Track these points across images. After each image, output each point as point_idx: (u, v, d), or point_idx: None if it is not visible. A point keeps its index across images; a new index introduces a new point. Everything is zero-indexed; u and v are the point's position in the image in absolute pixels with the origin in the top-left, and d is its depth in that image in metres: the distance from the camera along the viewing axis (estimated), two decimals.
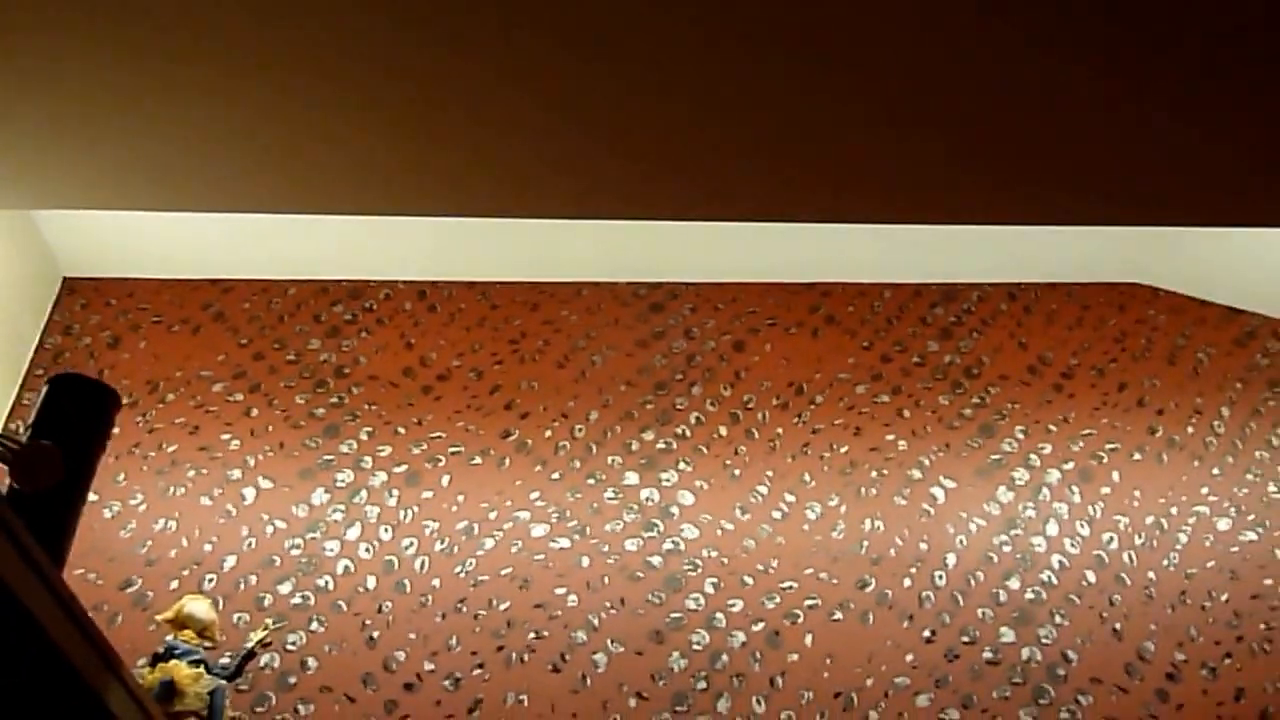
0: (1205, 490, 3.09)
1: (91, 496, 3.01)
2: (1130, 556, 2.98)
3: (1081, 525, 3.03)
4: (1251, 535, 3.00)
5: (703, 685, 2.76)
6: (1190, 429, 3.20)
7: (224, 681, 2.44)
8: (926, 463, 3.15)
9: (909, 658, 2.81)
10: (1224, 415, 3.22)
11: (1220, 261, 3.38)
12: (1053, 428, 3.21)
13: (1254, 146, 2.24)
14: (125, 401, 3.23)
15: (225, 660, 2.61)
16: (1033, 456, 3.16)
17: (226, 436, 3.20)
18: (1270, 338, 3.36)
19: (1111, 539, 3.00)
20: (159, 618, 2.57)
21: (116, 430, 3.11)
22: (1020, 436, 3.20)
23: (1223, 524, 3.03)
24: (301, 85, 2.17)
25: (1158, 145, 2.27)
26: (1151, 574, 2.94)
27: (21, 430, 1.78)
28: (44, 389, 1.75)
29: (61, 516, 1.63)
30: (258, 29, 2.00)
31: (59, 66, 2.11)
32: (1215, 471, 3.12)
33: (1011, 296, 3.51)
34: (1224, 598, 2.90)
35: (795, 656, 2.81)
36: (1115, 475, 3.12)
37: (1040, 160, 2.34)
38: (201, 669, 2.39)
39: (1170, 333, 3.40)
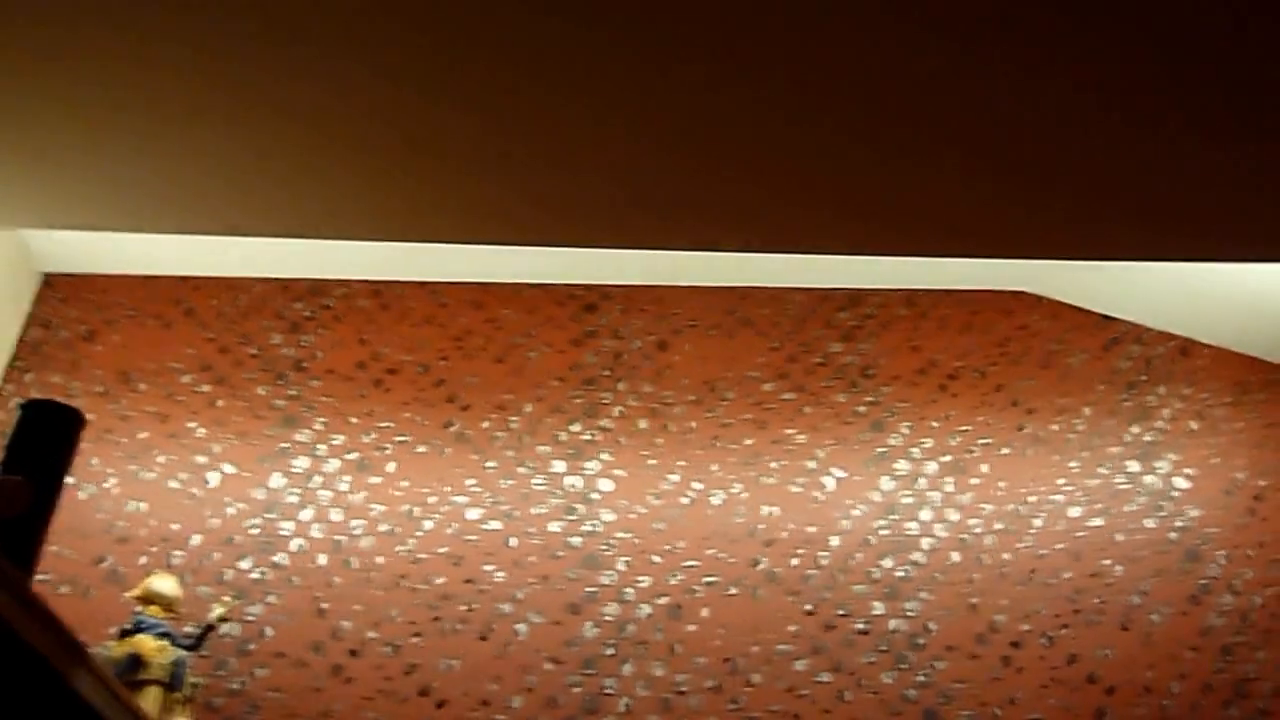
0: (1061, 481, 3.48)
1: (69, 480, 3.34)
2: (990, 540, 3.37)
3: (951, 512, 3.42)
4: (1098, 521, 3.40)
5: (610, 652, 3.14)
6: (1055, 427, 3.58)
7: (186, 652, 2.78)
8: (821, 454, 3.52)
9: (791, 628, 3.20)
10: (1085, 414, 3.60)
11: (1096, 271, 3.74)
12: (935, 424, 3.58)
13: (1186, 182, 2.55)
14: (98, 390, 3.56)
15: (189, 630, 2.97)
16: (914, 450, 3.54)
17: (193, 425, 3.51)
18: (1133, 343, 3.74)
19: (977, 524, 3.39)
20: (127, 595, 2.92)
21: (92, 417, 3.46)
22: (906, 432, 3.57)
23: (1073, 511, 3.42)
24: (284, 123, 2.46)
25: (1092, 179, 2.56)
26: (1007, 555, 3.33)
27: None
28: (17, 414, 2.03)
29: (32, 530, 1.90)
30: (240, 66, 2.28)
31: (51, 95, 2.38)
32: (1072, 465, 3.51)
33: (910, 303, 3.87)
34: (1067, 575, 3.30)
35: (693, 627, 3.19)
36: (985, 468, 3.50)
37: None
38: (166, 641, 2.74)
39: (1047, 338, 3.77)
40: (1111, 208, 2.68)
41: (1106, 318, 3.80)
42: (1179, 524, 3.38)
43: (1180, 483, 3.46)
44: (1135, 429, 3.57)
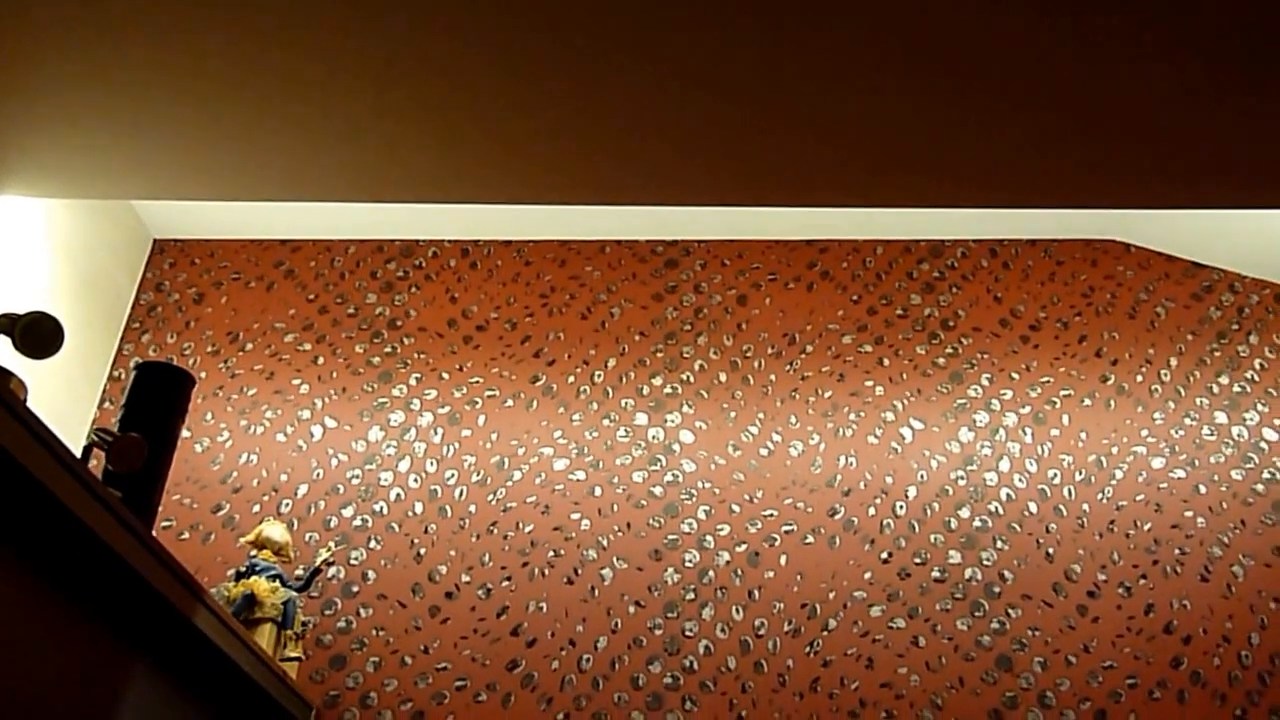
0: (1145, 433, 3.45)
1: (185, 433, 3.59)
2: (1070, 491, 3.37)
3: (1030, 463, 3.42)
4: (1180, 472, 3.36)
5: (691, 596, 3.26)
6: (1139, 377, 3.54)
7: (295, 593, 2.99)
8: (899, 406, 3.55)
9: (867, 576, 3.27)
10: (1172, 365, 3.55)
11: (1188, 218, 3.66)
12: (1015, 375, 3.58)
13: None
14: (210, 350, 3.78)
15: (299, 573, 3.19)
16: (994, 401, 3.54)
17: (297, 382, 3.72)
18: (1226, 291, 3.65)
19: (1055, 475, 3.40)
20: (242, 540, 3.14)
21: (204, 375, 3.68)
22: (985, 383, 3.58)
23: (1156, 462, 3.39)
24: (375, 95, 2.57)
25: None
26: (1086, 506, 3.33)
27: (118, 406, 2.25)
28: (133, 374, 2.21)
29: (149, 482, 2.08)
30: (341, 40, 2.39)
31: (157, 73, 2.53)
32: (1157, 416, 3.47)
33: (993, 253, 3.85)
34: (1147, 527, 3.29)
35: (771, 574, 3.28)
36: (1065, 419, 3.49)
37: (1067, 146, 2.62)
38: (277, 582, 2.95)
39: (1134, 287, 3.71)
40: (1201, 156, 2.63)
41: (1198, 265, 3.72)
42: (1266, 476, 3.33)
43: (1270, 435, 3.40)
44: (1224, 379, 3.50)
